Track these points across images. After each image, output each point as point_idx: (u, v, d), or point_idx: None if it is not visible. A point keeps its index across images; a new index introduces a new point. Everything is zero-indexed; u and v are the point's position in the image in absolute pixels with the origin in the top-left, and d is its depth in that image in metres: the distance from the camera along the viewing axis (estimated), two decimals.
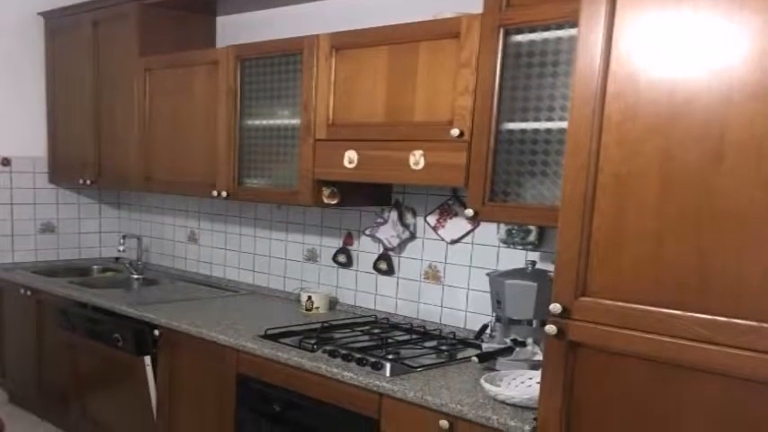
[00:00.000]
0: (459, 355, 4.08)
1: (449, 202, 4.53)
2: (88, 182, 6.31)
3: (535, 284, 3.71)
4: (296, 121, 4.58)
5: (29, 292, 6.08)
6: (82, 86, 6.26)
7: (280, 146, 4.75)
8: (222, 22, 5.98)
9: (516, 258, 4.21)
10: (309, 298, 5.09)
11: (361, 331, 4.50)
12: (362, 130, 4.17)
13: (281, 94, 4.71)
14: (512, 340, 3.75)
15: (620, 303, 2.73)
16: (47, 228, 6.80)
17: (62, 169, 6.63)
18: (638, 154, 2.65)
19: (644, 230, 2.65)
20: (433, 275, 4.68)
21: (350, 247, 5.17)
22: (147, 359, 4.98)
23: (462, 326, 4.53)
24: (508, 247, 4.26)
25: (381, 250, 4.94)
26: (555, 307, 2.88)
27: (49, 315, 5.91)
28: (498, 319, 3.86)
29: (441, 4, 4.09)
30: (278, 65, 4.69)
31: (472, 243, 4.47)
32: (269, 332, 4.40)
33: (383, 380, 3.63)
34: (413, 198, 4.74)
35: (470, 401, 3.33)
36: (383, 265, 4.93)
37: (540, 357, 3.59)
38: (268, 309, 5.23)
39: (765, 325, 2.41)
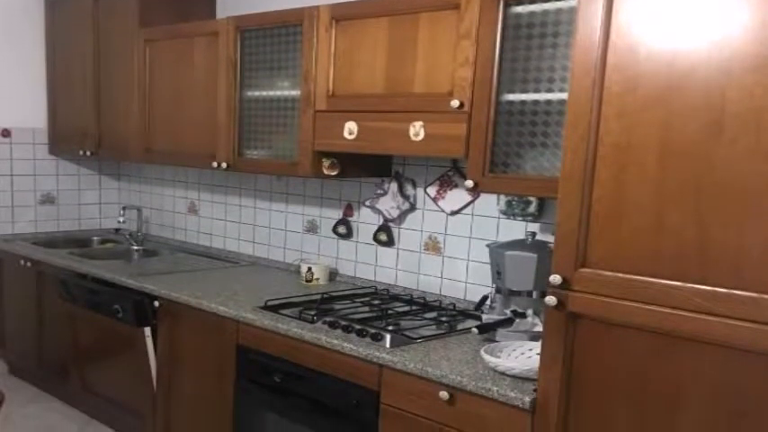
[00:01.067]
0: (459, 327, 4.08)
1: (449, 174, 4.53)
2: (88, 153, 6.31)
3: (535, 256, 3.71)
4: (296, 93, 4.57)
5: (29, 264, 6.08)
6: (82, 58, 6.25)
7: (280, 117, 4.75)
8: None
9: (516, 229, 4.22)
10: (309, 269, 5.09)
11: (361, 302, 4.51)
12: (362, 101, 4.16)
13: (282, 65, 4.70)
14: (512, 311, 3.76)
15: (619, 274, 2.74)
16: (47, 199, 6.80)
17: (62, 140, 6.62)
18: (637, 125, 2.65)
19: (644, 202, 2.65)
20: (432, 247, 4.68)
21: (350, 219, 5.17)
22: (147, 330, 4.99)
23: (462, 297, 4.54)
24: (508, 219, 4.27)
25: (381, 221, 4.94)
26: (555, 278, 2.89)
27: (49, 286, 5.92)
28: (498, 291, 3.87)
29: None
30: (278, 36, 4.68)
31: (472, 214, 4.47)
32: (269, 303, 4.41)
33: (383, 351, 3.63)
34: (413, 169, 4.73)
35: (470, 373, 3.34)
36: (383, 237, 4.93)
37: (540, 328, 3.60)
38: (268, 280, 5.24)
39: (765, 296, 2.42)
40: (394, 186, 4.78)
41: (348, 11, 4.20)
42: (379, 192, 4.88)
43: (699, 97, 2.50)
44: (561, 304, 2.89)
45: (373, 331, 3.82)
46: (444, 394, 3.36)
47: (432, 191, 4.62)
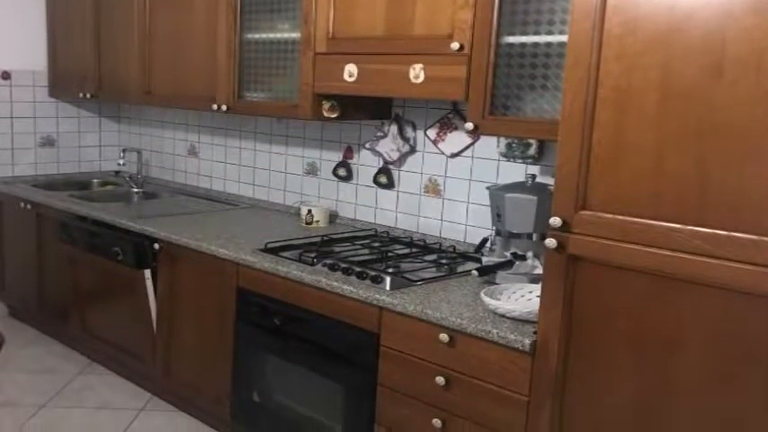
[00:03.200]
0: (459, 269, 4.09)
1: (449, 116, 4.52)
2: (88, 95, 6.29)
3: (535, 198, 3.71)
4: (296, 35, 4.55)
5: (29, 206, 6.08)
6: None
7: (280, 59, 4.72)
8: None
9: (516, 172, 4.21)
10: (309, 211, 5.09)
11: (361, 245, 4.51)
12: (362, 43, 4.13)
13: (282, 7, 4.67)
14: (512, 254, 3.76)
15: (620, 217, 2.74)
16: (47, 141, 6.78)
17: (62, 83, 6.60)
18: (637, 68, 2.64)
19: (644, 144, 2.65)
20: (433, 189, 4.68)
21: (350, 161, 5.16)
22: (147, 273, 5.01)
23: (462, 239, 4.54)
24: (508, 161, 4.26)
25: (381, 164, 4.94)
26: (555, 220, 2.89)
27: (49, 229, 5.93)
28: (498, 233, 3.87)
29: None
30: None
31: (472, 157, 4.46)
32: (269, 246, 4.41)
33: (383, 293, 3.64)
34: (413, 112, 4.72)
35: (470, 315, 3.35)
36: (383, 179, 4.93)
37: (540, 271, 3.61)
38: (268, 222, 5.24)
39: (765, 239, 2.42)
40: (394, 129, 4.77)
41: None
42: (379, 134, 4.86)
43: (699, 39, 2.49)
44: (561, 246, 2.89)
45: (373, 274, 3.83)
46: (444, 337, 3.37)
47: (432, 133, 4.61)
